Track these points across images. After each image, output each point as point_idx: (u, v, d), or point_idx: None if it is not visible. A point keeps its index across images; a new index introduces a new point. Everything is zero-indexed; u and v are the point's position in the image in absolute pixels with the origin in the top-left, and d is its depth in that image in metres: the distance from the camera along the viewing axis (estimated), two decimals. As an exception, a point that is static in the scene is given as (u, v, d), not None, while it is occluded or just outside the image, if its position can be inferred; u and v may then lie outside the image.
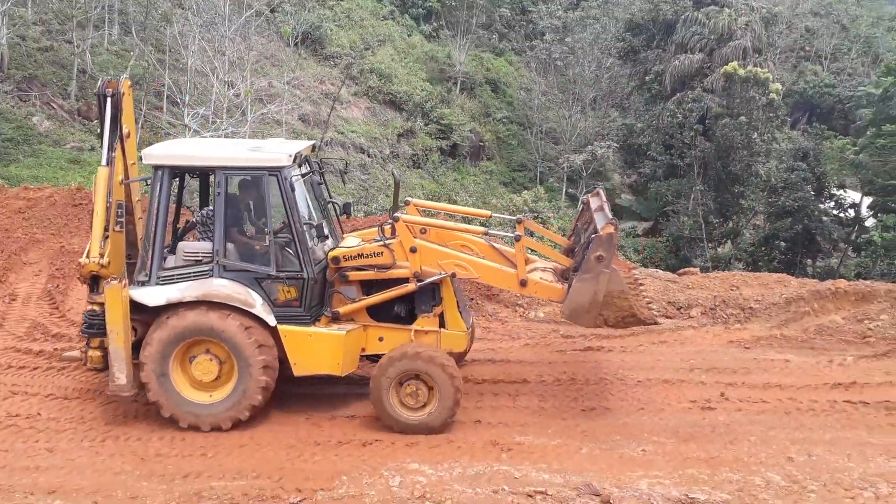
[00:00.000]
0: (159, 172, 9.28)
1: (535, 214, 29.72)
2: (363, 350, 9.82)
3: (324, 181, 10.52)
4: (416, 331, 9.70)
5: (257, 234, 9.63)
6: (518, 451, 8.73)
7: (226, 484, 7.88)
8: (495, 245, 10.28)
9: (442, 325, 9.80)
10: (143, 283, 9.23)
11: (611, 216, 9.51)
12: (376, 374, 9.15)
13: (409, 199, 11.19)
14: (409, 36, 63.91)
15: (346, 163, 12.21)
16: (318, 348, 9.35)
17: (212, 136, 39.00)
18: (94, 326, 9.16)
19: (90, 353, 9.26)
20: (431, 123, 53.65)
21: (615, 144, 47.88)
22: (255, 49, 47.16)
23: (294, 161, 9.41)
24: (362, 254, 9.62)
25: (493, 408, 9.91)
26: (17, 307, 12.90)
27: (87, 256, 9.29)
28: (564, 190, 49.51)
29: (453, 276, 9.71)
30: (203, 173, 10.24)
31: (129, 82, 10.03)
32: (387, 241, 9.63)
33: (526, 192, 34.77)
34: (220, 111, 41.43)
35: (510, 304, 14.17)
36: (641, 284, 11.09)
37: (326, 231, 9.92)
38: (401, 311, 9.86)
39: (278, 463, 8.37)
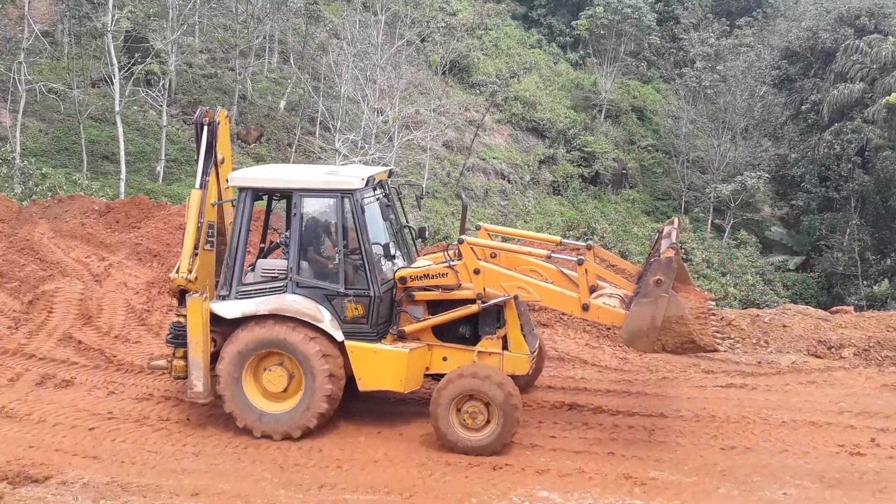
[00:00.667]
0: (243, 194, 9.91)
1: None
2: (427, 369, 9.98)
3: (400, 205, 10.92)
4: (479, 352, 9.77)
5: (330, 253, 9.99)
6: (652, 486, 8.50)
7: (359, 497, 8.06)
8: (564, 270, 10.10)
9: (505, 347, 9.81)
10: (223, 298, 9.80)
11: (675, 241, 9.39)
12: (435, 394, 9.27)
13: (480, 223, 11.29)
14: (555, 64, 63.93)
15: (423, 188, 12.38)
16: (383, 365, 9.63)
17: (360, 161, 40.33)
18: (179, 337, 9.74)
19: (175, 362, 9.85)
20: (574, 150, 53.36)
21: (766, 175, 46.06)
22: (404, 77, 48.51)
23: (366, 185, 9.77)
24: (428, 274, 9.87)
25: (627, 441, 9.69)
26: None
27: (177, 272, 9.88)
28: (710, 221, 48.01)
29: (516, 298, 9.68)
30: (283, 195, 10.61)
31: (226, 112, 10.76)
32: (452, 263, 9.79)
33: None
34: (368, 137, 42.77)
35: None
36: (714, 314, 10.62)
37: (394, 251, 10.13)
38: (465, 332, 10.00)
39: (410, 480, 8.49)
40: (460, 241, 9.82)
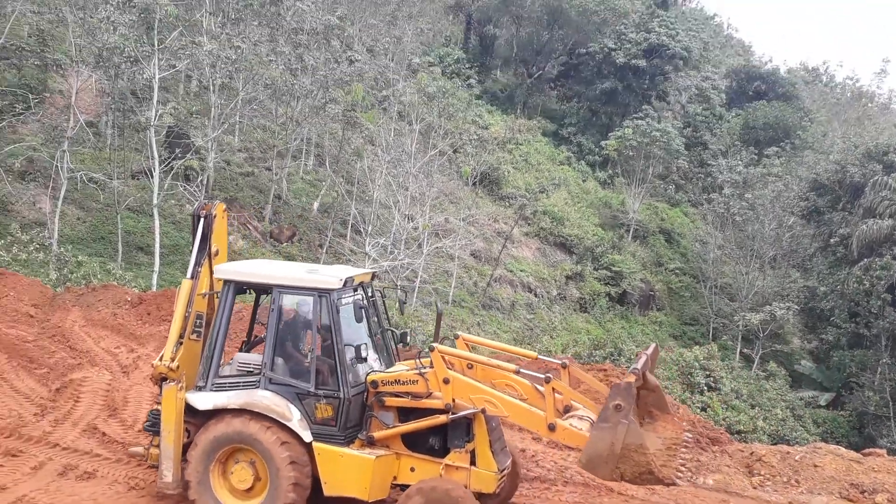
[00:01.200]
0: (226, 287, 10.17)
1: (708, 373, 28.65)
2: (395, 479, 9.80)
3: (384, 309, 10.94)
4: (446, 465, 9.54)
5: (304, 352, 10.06)
6: None
7: None
8: (539, 388, 9.71)
9: (473, 462, 9.57)
10: (199, 389, 9.89)
11: (639, 367, 9.13)
12: None
13: (459, 333, 11.29)
14: (583, 181, 64.88)
15: (406, 293, 12.47)
16: (349, 470, 9.48)
17: (388, 265, 40.65)
18: (156, 425, 9.86)
19: (151, 450, 9.96)
20: (601, 269, 53.51)
21: (796, 307, 45.79)
22: (435, 186, 49.44)
23: (344, 285, 9.85)
24: (399, 380, 9.77)
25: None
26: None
27: (160, 359, 10.03)
28: (739, 350, 47.56)
29: (484, 411, 9.46)
30: (264, 290, 10.69)
31: (224, 206, 11.11)
32: (423, 370, 9.63)
33: (697, 347, 33.63)
34: (398, 242, 43.23)
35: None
36: (686, 446, 10.37)
37: (369, 354, 10.01)
38: (435, 443, 9.80)
39: None
40: (431, 349, 9.75)
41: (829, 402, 39.32)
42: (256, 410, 9.55)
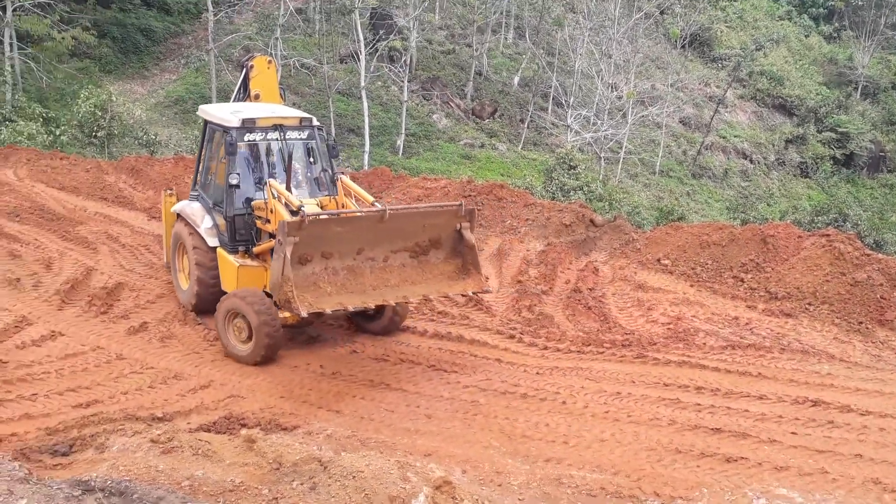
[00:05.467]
0: (201, 121, 12.86)
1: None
2: (265, 287, 10.94)
3: (324, 150, 12.08)
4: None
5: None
6: (906, 495, 7.77)
7: (584, 475, 7.99)
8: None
9: None
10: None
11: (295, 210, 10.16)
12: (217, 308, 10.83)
13: (340, 175, 11.95)
14: (805, 37, 59.75)
15: (335, 139, 13.26)
16: (227, 272, 11.50)
17: (591, 137, 39.87)
18: None
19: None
20: (825, 131, 49.67)
21: None
22: (641, 52, 47.40)
23: (243, 125, 11.32)
24: (259, 207, 11.24)
25: (877, 443, 8.91)
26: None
27: None
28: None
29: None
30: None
31: (268, 59, 13.64)
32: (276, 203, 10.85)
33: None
34: (601, 113, 42.20)
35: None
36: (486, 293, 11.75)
37: (236, 182, 11.18)
38: None
39: (637, 464, 8.30)
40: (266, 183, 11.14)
41: None
42: (184, 215, 12.24)
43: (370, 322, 11.81)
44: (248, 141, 11.48)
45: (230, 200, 11.34)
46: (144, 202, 18.69)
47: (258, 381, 10.16)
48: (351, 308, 9.94)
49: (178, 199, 13.29)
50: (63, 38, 34.32)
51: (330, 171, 12.02)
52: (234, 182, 11.17)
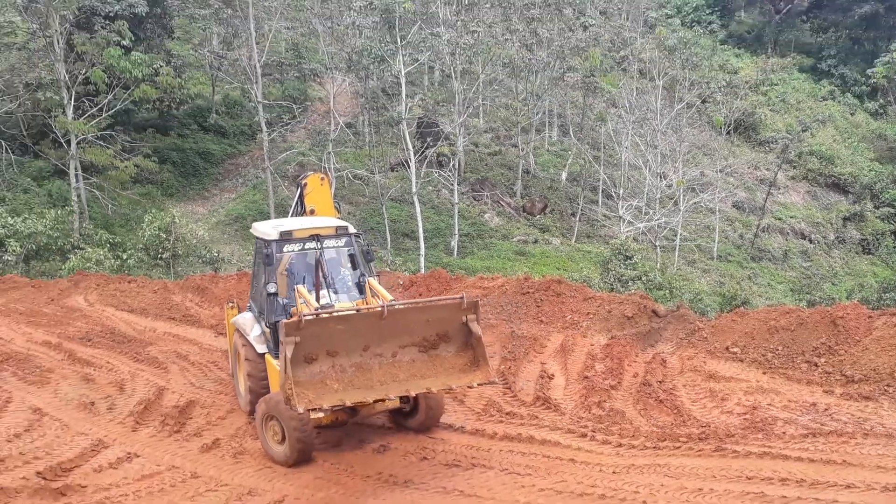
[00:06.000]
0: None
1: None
2: None
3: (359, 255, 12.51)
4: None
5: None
6: None
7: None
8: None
9: None
10: None
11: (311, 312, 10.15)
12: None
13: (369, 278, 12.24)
14: (851, 115, 59.63)
15: (369, 245, 13.52)
16: (272, 376, 11.79)
17: (645, 226, 39.83)
18: None
19: None
20: (883, 206, 48.99)
21: None
22: (686, 140, 47.71)
23: (281, 238, 11.82)
24: (295, 313, 11.04)
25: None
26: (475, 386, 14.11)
27: None
28: None
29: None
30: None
31: (321, 176, 14.37)
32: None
33: None
34: (652, 202, 42.25)
35: None
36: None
37: (274, 290, 11.64)
38: None
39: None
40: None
41: None
42: (238, 326, 12.79)
43: (408, 419, 12.08)
44: (288, 251, 12.01)
45: (270, 308, 11.76)
46: (211, 319, 19.08)
47: (331, 494, 10.10)
48: (349, 403, 9.96)
49: (239, 311, 13.73)
50: (126, 167, 35.85)
51: (367, 276, 12.34)
52: (271, 290, 11.62)
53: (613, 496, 9.59)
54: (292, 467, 10.75)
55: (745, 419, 12.03)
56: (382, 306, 10.25)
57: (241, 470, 10.85)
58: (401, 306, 10.64)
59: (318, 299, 11.38)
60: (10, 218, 28.46)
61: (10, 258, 27.35)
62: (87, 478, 10.46)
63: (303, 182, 14.28)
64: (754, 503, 9.26)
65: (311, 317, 9.96)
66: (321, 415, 10.72)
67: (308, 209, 14.02)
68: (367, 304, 11.74)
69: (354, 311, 10.57)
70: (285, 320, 9.99)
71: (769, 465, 10.23)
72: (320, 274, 11.92)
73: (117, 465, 10.98)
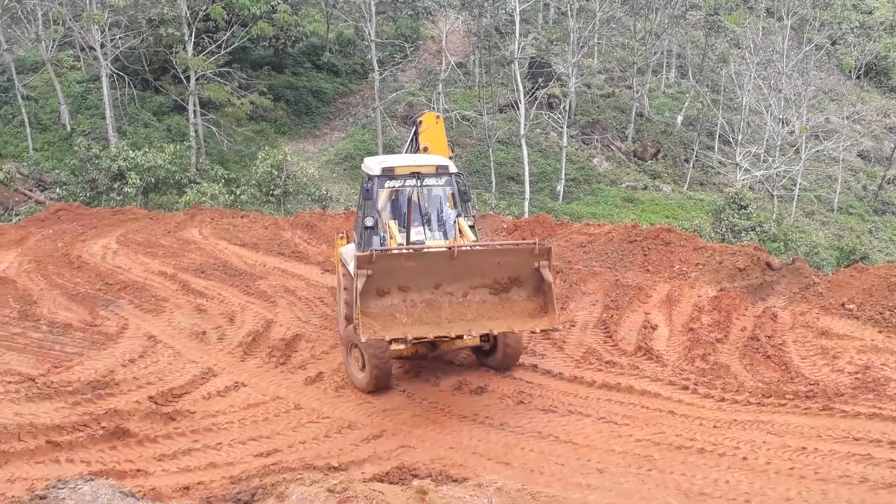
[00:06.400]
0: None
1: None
2: None
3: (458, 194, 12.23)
4: None
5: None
6: None
7: (771, 538, 7.53)
8: None
9: None
10: None
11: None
12: None
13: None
14: None
15: (467, 185, 12.73)
16: None
17: (762, 175, 38.28)
18: None
19: None
20: None
21: None
22: (812, 84, 45.35)
23: (383, 173, 11.87)
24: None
25: None
26: (576, 333, 14.02)
27: None
28: None
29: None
30: None
31: (436, 115, 14.48)
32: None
33: None
34: (772, 149, 40.52)
35: None
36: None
37: (371, 224, 11.63)
38: None
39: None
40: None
41: None
42: (341, 257, 13.13)
43: (488, 357, 12.38)
44: (389, 187, 12.08)
45: (367, 241, 11.82)
46: (318, 255, 19.53)
47: (428, 431, 10.27)
48: (410, 337, 10.22)
49: (348, 243, 14.01)
50: (242, 104, 36.72)
51: (463, 215, 12.34)
52: (369, 224, 11.70)
53: (713, 451, 9.40)
54: (371, 394, 11.23)
55: (856, 378, 11.56)
56: (452, 247, 10.41)
57: (343, 404, 11.16)
58: (470, 248, 10.81)
59: (408, 236, 11.46)
60: (130, 151, 29.65)
61: (129, 190, 28.59)
62: (196, 404, 10.97)
63: (418, 120, 14.47)
64: (860, 465, 8.92)
65: (381, 251, 10.28)
66: (402, 346, 11.46)
67: (422, 147, 14.24)
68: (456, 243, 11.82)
69: (426, 250, 10.81)
70: (358, 253, 10.35)
71: (879, 426, 9.82)
72: (413, 211, 11.99)
73: (225, 393, 11.47)
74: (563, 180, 38.20)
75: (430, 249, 10.78)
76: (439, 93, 39.58)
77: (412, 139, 14.56)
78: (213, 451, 9.67)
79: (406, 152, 14.64)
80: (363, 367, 11.33)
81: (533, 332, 12.05)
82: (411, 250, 10.63)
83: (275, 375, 12.23)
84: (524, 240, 20.25)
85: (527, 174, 36.09)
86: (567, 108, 40.55)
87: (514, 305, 10.75)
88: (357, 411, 10.92)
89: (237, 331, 14.15)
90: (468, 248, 10.76)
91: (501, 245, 11.35)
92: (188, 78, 34.55)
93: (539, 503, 8.17)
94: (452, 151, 14.94)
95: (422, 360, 12.25)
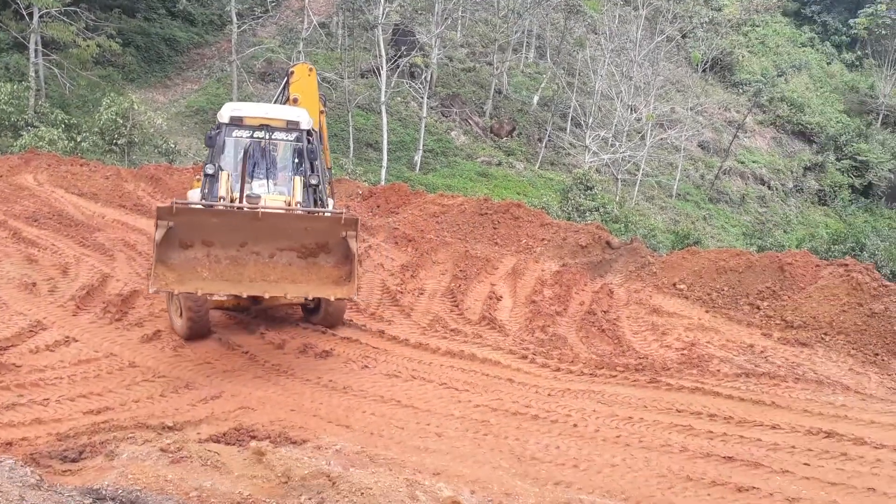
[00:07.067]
0: None
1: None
2: None
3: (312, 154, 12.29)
4: None
5: None
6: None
7: (594, 500, 7.91)
8: None
9: None
10: None
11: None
12: None
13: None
14: (828, 64, 59.61)
15: (316, 145, 12.76)
16: None
17: (609, 158, 39.81)
18: None
19: None
20: (844, 159, 49.54)
21: None
22: (661, 74, 47.38)
23: (231, 122, 11.84)
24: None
25: (891, 478, 8.79)
26: (424, 301, 14.21)
27: None
28: None
29: None
30: None
31: (309, 66, 14.28)
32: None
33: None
34: (619, 134, 42.16)
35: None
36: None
37: (212, 171, 11.46)
38: None
39: (648, 491, 8.22)
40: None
41: None
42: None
43: (312, 315, 12.64)
44: (236, 136, 11.99)
45: (208, 189, 11.60)
46: (163, 210, 18.78)
47: (269, 393, 10.15)
48: (201, 293, 10.29)
49: None
50: (88, 46, 34.70)
51: (309, 174, 12.31)
52: (209, 172, 11.47)
53: (546, 417, 9.78)
54: (188, 341, 11.32)
55: (682, 354, 12.30)
56: (257, 208, 10.51)
57: (181, 363, 10.83)
58: (277, 211, 10.86)
59: (242, 189, 11.21)
60: (-39, 87, 27.52)
61: (-41, 129, 26.58)
62: (23, 358, 10.38)
63: (290, 70, 14.32)
64: (681, 435, 9.51)
65: (183, 204, 10.23)
66: (223, 297, 11.51)
67: (291, 98, 13.95)
68: (290, 202, 11.81)
69: (231, 207, 10.83)
70: (160, 204, 10.16)
71: (700, 400, 10.50)
72: (260, 164, 11.97)
73: (54, 347, 10.91)
74: (420, 151, 38.38)
75: (233, 207, 10.79)
76: (300, 52, 38.76)
77: (283, 89, 14.35)
78: (40, 406, 9.18)
79: (275, 101, 14.43)
80: (181, 314, 11.34)
81: (331, 300, 12.14)
82: (216, 207, 10.64)
83: (109, 332, 11.72)
84: (386, 208, 20.36)
85: (385, 142, 36.01)
86: (428, 79, 40.66)
87: (320, 271, 10.81)
88: (195, 371, 10.64)
89: (70, 284, 13.45)
90: (273, 211, 10.76)
91: (308, 211, 11.31)
92: (31, 14, 32.25)
93: (377, 465, 8.26)
94: (325, 106, 14.85)
95: (244, 313, 12.27)
